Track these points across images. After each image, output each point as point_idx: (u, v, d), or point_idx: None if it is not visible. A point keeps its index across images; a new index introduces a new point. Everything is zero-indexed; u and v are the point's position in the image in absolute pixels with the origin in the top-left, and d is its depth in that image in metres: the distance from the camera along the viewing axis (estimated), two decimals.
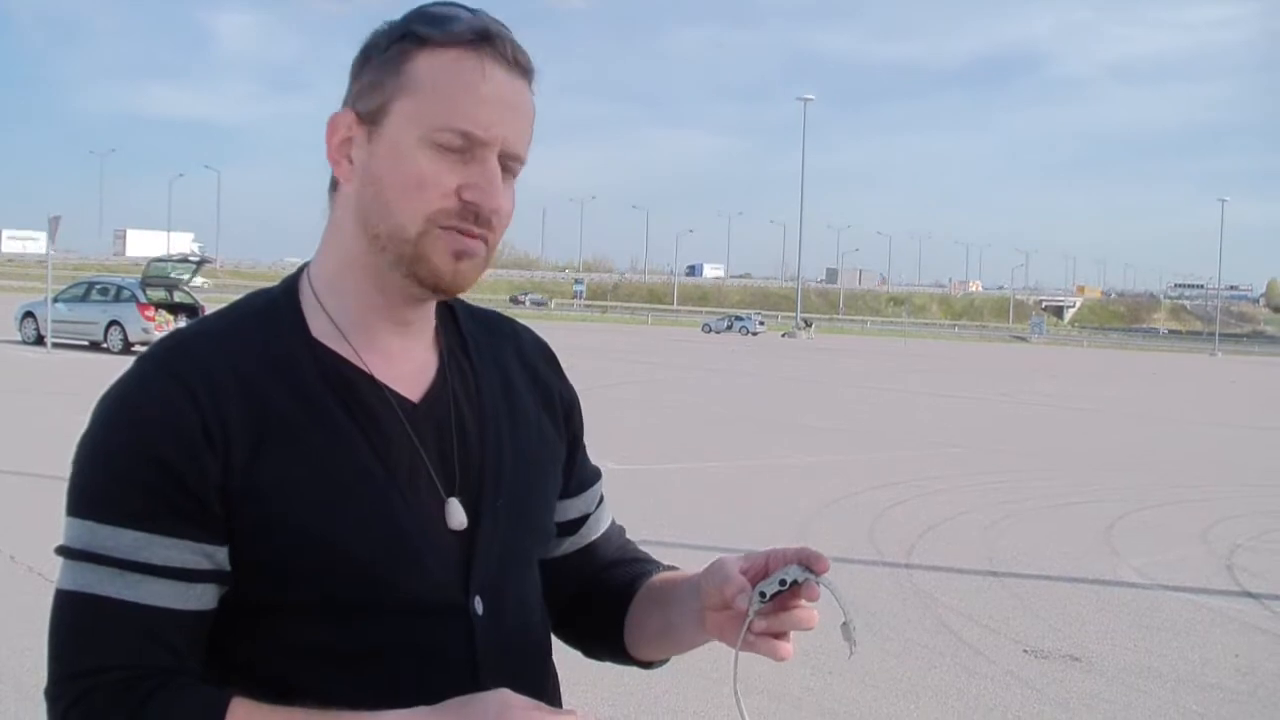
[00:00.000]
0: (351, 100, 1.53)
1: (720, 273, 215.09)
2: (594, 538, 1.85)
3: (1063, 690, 6.74)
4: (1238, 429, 26.56)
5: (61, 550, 1.42)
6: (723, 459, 16.62)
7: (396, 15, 1.57)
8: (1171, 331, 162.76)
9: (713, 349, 59.28)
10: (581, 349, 42.05)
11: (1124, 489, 15.36)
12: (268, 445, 1.45)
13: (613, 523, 1.90)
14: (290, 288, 1.59)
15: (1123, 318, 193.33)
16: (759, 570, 1.57)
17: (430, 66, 1.49)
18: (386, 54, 1.51)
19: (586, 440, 1.85)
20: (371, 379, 1.53)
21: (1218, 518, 13.25)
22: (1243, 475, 17.63)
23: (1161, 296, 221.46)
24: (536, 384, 1.74)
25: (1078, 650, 7.50)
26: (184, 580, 1.42)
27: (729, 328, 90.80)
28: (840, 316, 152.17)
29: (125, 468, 1.41)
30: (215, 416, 1.43)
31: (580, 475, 1.82)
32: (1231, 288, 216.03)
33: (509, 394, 1.67)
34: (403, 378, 1.57)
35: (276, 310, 1.56)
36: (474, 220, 1.50)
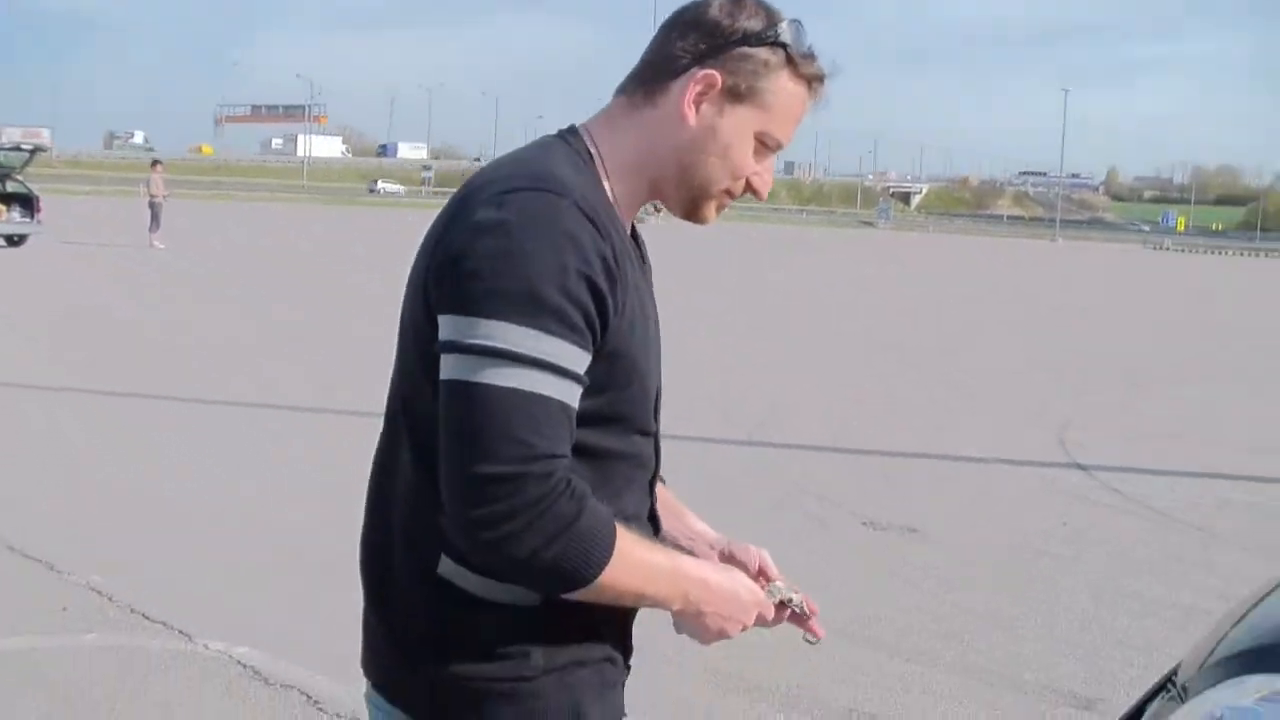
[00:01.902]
0: (723, 70, 1.82)
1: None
2: None
3: (899, 561, 6.96)
4: (1071, 311, 27.28)
5: (505, 352, 1.61)
6: None
7: None
8: (1015, 218, 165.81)
9: None
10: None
11: (964, 369, 15.77)
12: (621, 284, 1.72)
13: None
14: (587, 156, 1.84)
15: (969, 204, 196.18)
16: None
17: (787, 92, 1.85)
18: (763, 55, 1.83)
19: None
20: (637, 246, 1.90)
21: (1052, 395, 13.70)
22: (1078, 355, 18.17)
23: (1007, 184, 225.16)
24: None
25: (915, 522, 7.74)
26: (582, 387, 1.68)
27: None
28: None
29: (572, 287, 1.64)
30: (611, 251, 1.70)
31: None
32: (1074, 176, 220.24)
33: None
34: (633, 249, 1.86)
35: (592, 173, 1.82)
36: (740, 191, 1.91)
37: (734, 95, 1.83)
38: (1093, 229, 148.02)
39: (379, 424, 1.91)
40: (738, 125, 1.85)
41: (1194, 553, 7.41)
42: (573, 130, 1.90)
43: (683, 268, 27.14)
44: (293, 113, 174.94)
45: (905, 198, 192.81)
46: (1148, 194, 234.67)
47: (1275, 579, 3.32)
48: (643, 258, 1.96)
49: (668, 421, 1.96)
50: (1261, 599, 3.18)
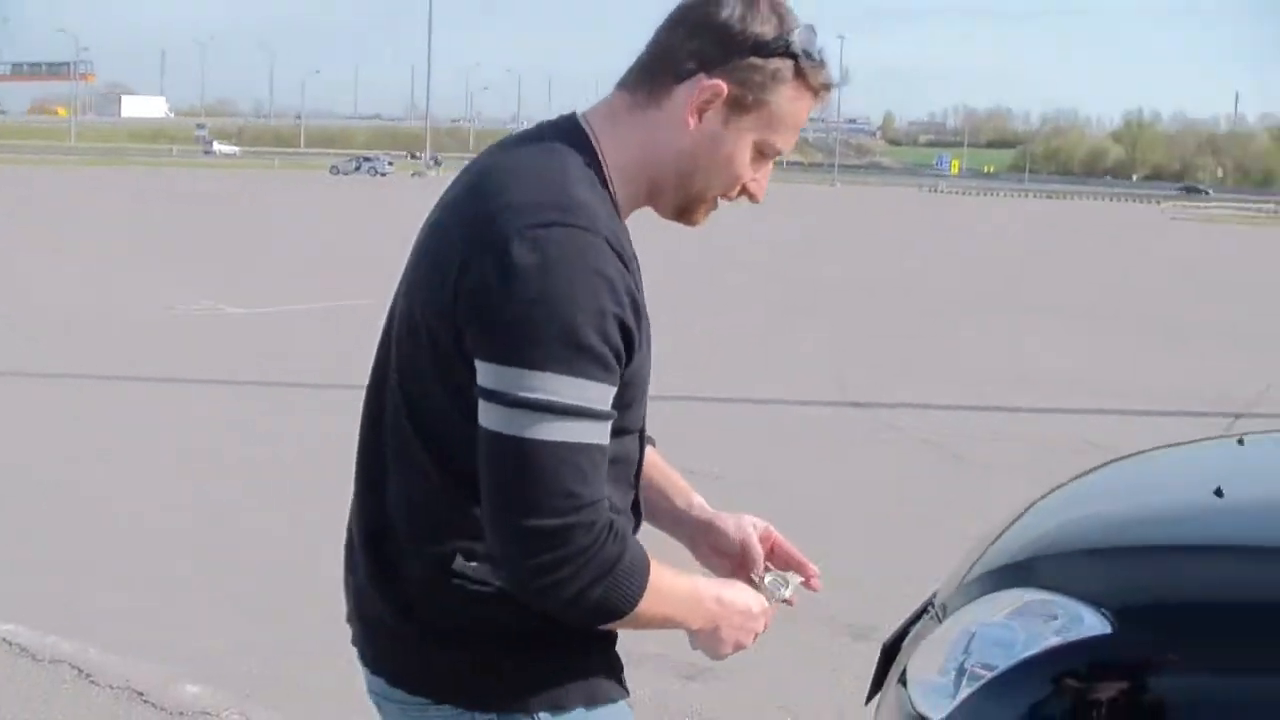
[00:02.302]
0: (730, 80, 1.78)
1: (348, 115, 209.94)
2: None
3: None
4: (854, 252, 27.87)
5: (550, 405, 1.64)
6: (350, 297, 16.29)
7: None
8: (794, 163, 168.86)
9: (338, 191, 57.97)
10: (206, 196, 40.36)
11: (747, 314, 15.93)
12: (640, 314, 1.75)
13: None
14: (593, 158, 1.81)
15: None
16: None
17: (792, 101, 1.82)
18: (773, 66, 1.79)
19: None
20: (634, 255, 1.81)
21: (833, 337, 13.92)
22: (856, 295, 18.52)
23: None
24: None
25: (699, 466, 7.73)
26: (612, 420, 1.72)
27: (357, 169, 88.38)
28: (471, 155, 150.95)
29: (609, 330, 1.66)
30: (636, 284, 1.74)
31: None
32: (851, 121, 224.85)
33: None
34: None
35: (601, 181, 1.80)
36: (735, 196, 1.91)
37: (739, 106, 1.81)
38: (870, 173, 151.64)
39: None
40: (739, 135, 1.84)
41: (968, 483, 7.58)
42: (576, 126, 1.86)
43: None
44: (57, 71, 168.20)
45: None
46: (923, 138, 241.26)
47: (1028, 502, 3.37)
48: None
49: None
50: (1013, 521, 3.21)
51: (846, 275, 21.94)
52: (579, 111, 1.89)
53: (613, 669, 1.91)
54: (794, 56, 1.80)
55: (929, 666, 2.74)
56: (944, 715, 2.60)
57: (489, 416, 1.66)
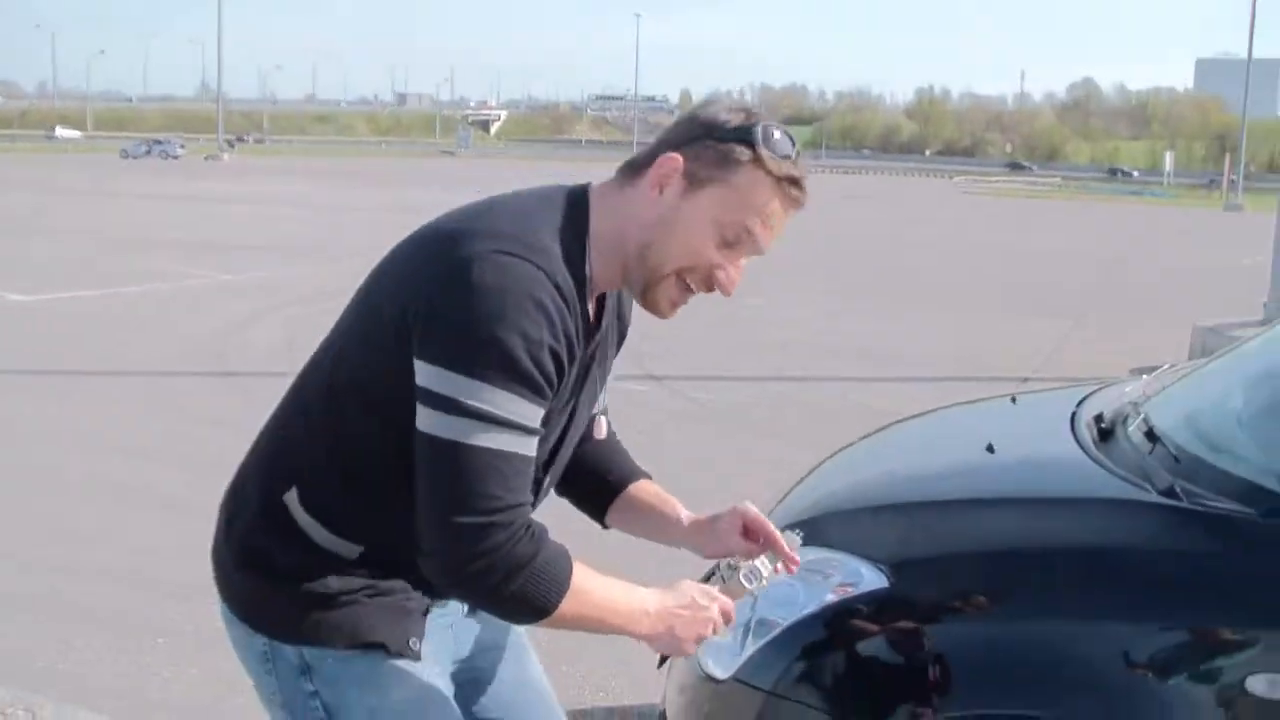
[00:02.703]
0: (687, 155, 1.94)
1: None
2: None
3: None
4: None
5: (483, 414, 1.81)
6: (137, 282, 15.84)
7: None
8: (592, 141, 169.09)
9: (132, 173, 56.23)
10: None
11: None
12: (571, 360, 1.92)
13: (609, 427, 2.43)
14: (583, 226, 1.97)
15: (548, 129, 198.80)
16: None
17: (749, 184, 1.93)
18: (728, 146, 1.93)
19: None
20: (618, 306, 2.15)
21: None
22: None
23: (585, 108, 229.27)
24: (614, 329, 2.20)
25: None
26: (539, 437, 1.91)
27: (148, 152, 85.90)
28: (267, 137, 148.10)
29: (544, 362, 1.83)
30: (575, 329, 1.89)
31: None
32: (649, 99, 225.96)
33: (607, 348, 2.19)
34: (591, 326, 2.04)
35: (580, 247, 1.95)
36: (704, 288, 2.01)
37: (695, 180, 1.94)
38: None
39: None
40: (696, 209, 1.94)
41: (759, 449, 7.72)
42: (584, 193, 2.02)
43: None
44: None
45: (485, 125, 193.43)
46: None
47: (813, 466, 3.45)
48: (619, 316, 2.19)
49: None
50: (797, 483, 3.29)
51: None
52: (596, 183, 2.06)
53: (393, 625, 2.04)
54: (750, 143, 1.92)
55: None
56: (730, 673, 2.65)
57: (428, 421, 1.84)
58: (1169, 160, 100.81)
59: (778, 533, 2.21)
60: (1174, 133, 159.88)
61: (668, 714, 3.00)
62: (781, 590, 2.66)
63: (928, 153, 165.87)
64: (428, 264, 1.90)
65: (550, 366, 1.85)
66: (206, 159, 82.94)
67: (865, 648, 2.54)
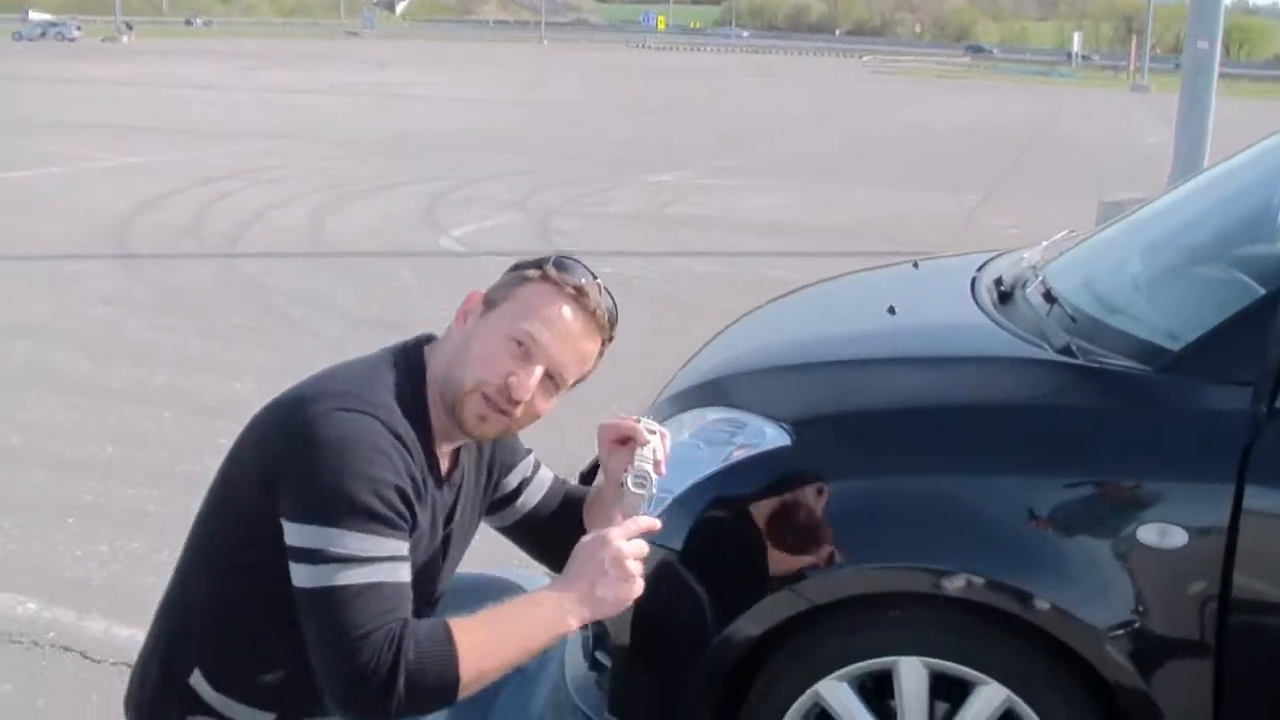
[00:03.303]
0: (488, 289, 2.17)
1: None
2: (538, 497, 2.52)
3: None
4: (550, 108, 27.75)
5: (346, 558, 1.93)
6: (34, 166, 15.45)
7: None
8: (500, 22, 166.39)
9: (26, 57, 54.58)
10: None
11: (443, 170, 15.73)
12: (421, 501, 2.09)
13: (552, 479, 2.56)
14: (420, 381, 2.15)
15: (454, 9, 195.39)
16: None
17: (537, 294, 2.14)
18: (521, 272, 2.17)
19: None
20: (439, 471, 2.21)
21: (534, 189, 13.90)
22: (554, 150, 18.50)
23: None
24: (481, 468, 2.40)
25: (400, 317, 7.68)
26: (409, 562, 2.03)
27: (43, 35, 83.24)
28: (165, 18, 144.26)
29: (392, 500, 1.98)
30: (420, 472, 2.07)
31: (511, 479, 2.48)
32: None
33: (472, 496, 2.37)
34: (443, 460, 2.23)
35: (418, 398, 2.13)
36: (506, 398, 2.12)
37: (489, 304, 2.16)
38: (578, 31, 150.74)
39: None
40: (491, 327, 2.13)
41: (670, 323, 7.73)
42: (418, 351, 2.20)
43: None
44: None
45: (390, 5, 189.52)
46: None
47: (717, 332, 3.46)
48: (490, 481, 2.41)
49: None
50: (702, 347, 3.30)
51: (574, 131, 21.89)
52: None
53: None
54: (540, 267, 2.15)
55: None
56: None
57: (301, 575, 1.96)
58: (1077, 41, 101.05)
59: (633, 424, 2.30)
60: (1081, 14, 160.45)
61: None
62: (684, 451, 2.68)
63: (838, 32, 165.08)
64: (278, 430, 2.05)
65: (399, 504, 1.99)
66: (104, 41, 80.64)
67: (768, 505, 2.57)
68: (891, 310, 3.07)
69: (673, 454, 2.68)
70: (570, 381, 2.21)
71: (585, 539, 2.11)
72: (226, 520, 2.13)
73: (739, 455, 2.63)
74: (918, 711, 2.52)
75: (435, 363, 2.17)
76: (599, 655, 2.83)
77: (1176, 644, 2.39)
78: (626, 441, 2.30)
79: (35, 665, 3.74)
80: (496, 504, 2.49)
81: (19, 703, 3.55)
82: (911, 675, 2.49)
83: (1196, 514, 2.34)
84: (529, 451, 2.51)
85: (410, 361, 2.17)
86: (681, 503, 2.64)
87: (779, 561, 2.53)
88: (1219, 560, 2.33)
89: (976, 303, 3.09)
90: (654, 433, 2.30)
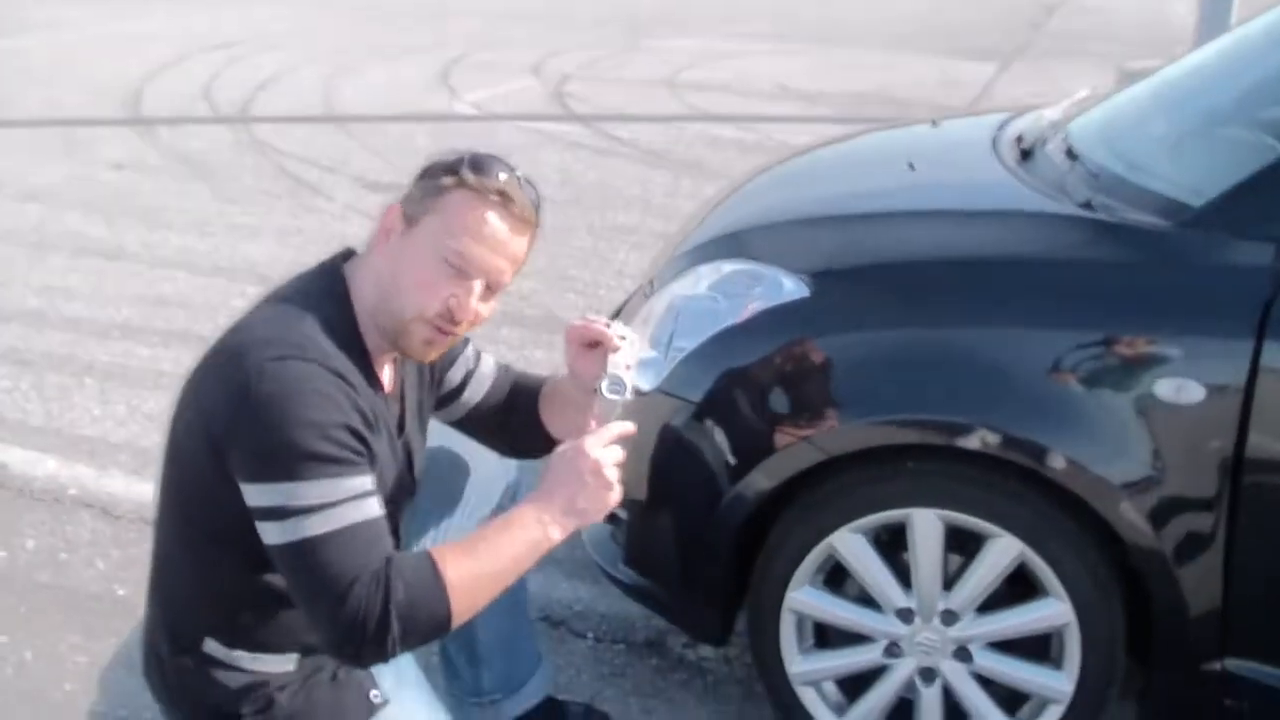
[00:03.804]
0: (404, 201, 2.07)
1: None
2: (484, 389, 2.47)
3: None
4: None
5: (310, 508, 1.89)
6: (29, 34, 15.29)
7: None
8: None
9: None
10: None
11: (456, 35, 15.52)
12: (374, 431, 2.03)
13: (496, 367, 2.51)
14: (346, 305, 2.08)
15: None
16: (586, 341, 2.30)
17: (459, 204, 2.03)
18: (435, 183, 2.04)
19: None
20: (383, 390, 2.16)
21: (548, 54, 13.72)
22: (570, 17, 18.25)
23: None
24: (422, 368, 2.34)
25: (396, 179, 7.64)
26: (378, 493, 1.99)
27: None
28: None
29: (344, 439, 1.92)
30: (361, 401, 2.00)
31: (454, 373, 2.43)
32: None
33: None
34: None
35: (349, 330, 2.06)
36: (449, 320, 2.06)
37: (410, 221, 2.05)
38: None
39: None
40: (418, 245, 2.03)
41: (686, 187, 7.68)
42: (338, 275, 2.11)
43: None
44: None
45: None
46: None
47: (734, 185, 3.44)
48: (434, 379, 2.37)
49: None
50: (720, 202, 3.28)
51: None
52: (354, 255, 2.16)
53: (357, 692, 2.18)
54: (455, 171, 2.03)
55: (640, 341, 2.81)
56: (654, 385, 2.68)
57: (270, 533, 1.92)
58: None
59: (602, 328, 2.27)
60: None
61: None
62: (702, 303, 2.68)
63: None
64: (216, 390, 1.98)
65: (353, 441, 1.94)
66: None
67: (785, 357, 2.57)
68: (911, 166, 3.04)
69: (690, 307, 2.69)
70: (508, 282, 2.13)
71: (562, 449, 2.10)
72: (186, 490, 2.09)
73: (756, 307, 2.62)
74: (931, 563, 2.55)
75: (362, 285, 2.10)
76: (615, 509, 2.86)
77: (1190, 501, 2.40)
78: (595, 346, 2.28)
79: (56, 521, 3.80)
80: (443, 399, 2.46)
81: (42, 558, 3.60)
82: (926, 527, 2.51)
83: (1214, 370, 2.34)
84: (467, 342, 2.45)
85: (333, 286, 2.09)
86: (699, 355, 2.64)
87: (795, 414, 2.54)
88: (1235, 417, 2.33)
89: (998, 159, 3.06)
90: (624, 338, 2.27)
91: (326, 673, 2.20)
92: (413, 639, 1.94)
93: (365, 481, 1.96)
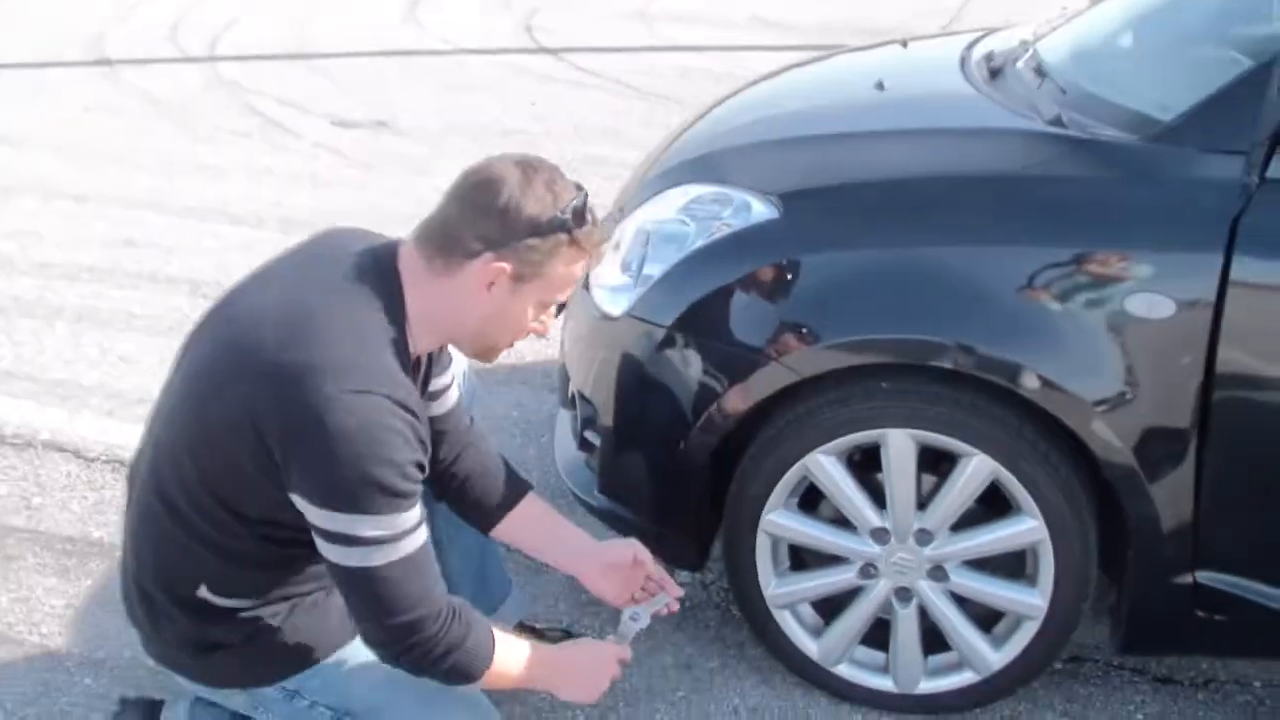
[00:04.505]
0: (512, 259, 2.09)
1: None
2: (441, 410, 2.47)
3: (370, 153, 6.83)
4: None
5: (379, 539, 2.03)
6: None
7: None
8: None
9: None
10: None
11: None
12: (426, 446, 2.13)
13: (457, 401, 2.52)
14: (401, 315, 2.12)
15: None
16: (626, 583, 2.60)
17: (568, 265, 2.16)
18: (548, 243, 2.10)
19: None
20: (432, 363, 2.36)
21: None
22: None
23: None
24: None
25: (385, 116, 7.57)
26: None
27: None
28: None
29: (412, 474, 2.04)
30: (425, 428, 2.11)
31: (436, 381, 2.43)
32: None
33: None
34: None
35: (401, 331, 2.12)
36: (522, 338, 2.26)
37: (520, 279, 2.12)
38: None
39: None
40: (523, 300, 2.16)
41: (659, 118, 7.61)
42: (391, 271, 2.14)
43: None
44: None
45: None
46: None
47: (702, 109, 3.41)
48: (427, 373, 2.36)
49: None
50: (687, 126, 3.26)
51: None
52: (400, 250, 2.17)
53: (342, 616, 2.24)
54: (568, 230, 2.09)
55: (610, 267, 2.80)
56: (625, 310, 2.68)
57: (333, 553, 2.06)
58: None
59: (661, 572, 2.59)
60: None
61: (567, 364, 3.04)
62: (672, 227, 2.67)
63: None
64: (277, 406, 2.00)
65: (417, 474, 2.07)
66: None
67: (756, 279, 2.56)
68: (880, 86, 3.02)
69: (660, 230, 2.68)
70: None
71: (601, 651, 2.46)
72: (214, 471, 2.12)
73: (725, 229, 2.61)
74: (905, 484, 2.55)
75: (433, 301, 2.14)
76: (588, 435, 2.86)
77: (1162, 418, 2.41)
78: (639, 567, 2.56)
79: (29, 465, 3.78)
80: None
81: (14, 502, 3.59)
82: (899, 447, 2.51)
83: (1184, 285, 2.34)
84: (451, 361, 2.48)
85: (390, 292, 2.13)
86: (669, 279, 2.63)
87: (767, 335, 2.54)
88: (1205, 332, 2.33)
89: (966, 78, 3.05)
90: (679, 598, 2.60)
91: (310, 599, 2.30)
92: (442, 673, 2.17)
93: (419, 509, 2.10)
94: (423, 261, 2.13)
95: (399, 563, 2.06)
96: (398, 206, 5.76)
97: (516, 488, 2.57)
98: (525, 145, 6.94)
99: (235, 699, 2.35)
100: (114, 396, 4.18)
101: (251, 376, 2.04)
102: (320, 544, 2.07)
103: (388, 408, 2.00)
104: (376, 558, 2.04)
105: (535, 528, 2.59)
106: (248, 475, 2.07)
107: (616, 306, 2.70)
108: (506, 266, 2.09)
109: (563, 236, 2.10)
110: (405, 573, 2.07)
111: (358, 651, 2.27)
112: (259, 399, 2.02)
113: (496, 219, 2.07)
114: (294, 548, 2.18)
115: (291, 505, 2.07)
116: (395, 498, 2.02)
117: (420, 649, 2.11)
